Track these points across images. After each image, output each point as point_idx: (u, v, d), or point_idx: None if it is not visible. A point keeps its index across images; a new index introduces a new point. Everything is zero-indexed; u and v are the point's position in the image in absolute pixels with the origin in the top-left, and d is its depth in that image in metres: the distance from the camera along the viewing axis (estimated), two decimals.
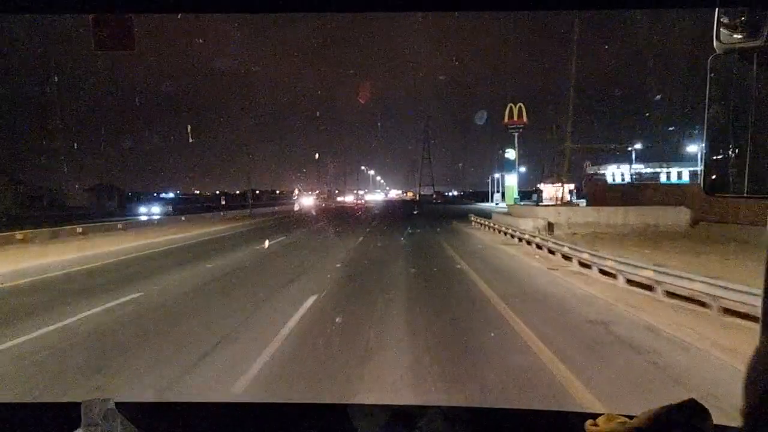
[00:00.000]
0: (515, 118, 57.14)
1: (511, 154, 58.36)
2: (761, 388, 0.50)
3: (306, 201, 73.62)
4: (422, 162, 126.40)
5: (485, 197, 77.33)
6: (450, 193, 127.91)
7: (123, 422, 1.00)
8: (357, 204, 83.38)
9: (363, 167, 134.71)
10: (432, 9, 1.06)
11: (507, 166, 59.63)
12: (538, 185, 58.70)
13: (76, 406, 0.99)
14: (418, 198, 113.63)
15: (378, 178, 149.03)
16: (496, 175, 68.39)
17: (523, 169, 62.41)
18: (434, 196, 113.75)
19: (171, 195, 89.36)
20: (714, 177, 0.94)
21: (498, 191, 64.63)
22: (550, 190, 54.39)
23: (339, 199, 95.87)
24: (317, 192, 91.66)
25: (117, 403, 1.02)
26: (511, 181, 58.92)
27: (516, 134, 57.20)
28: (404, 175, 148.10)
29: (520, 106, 56.66)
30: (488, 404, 4.60)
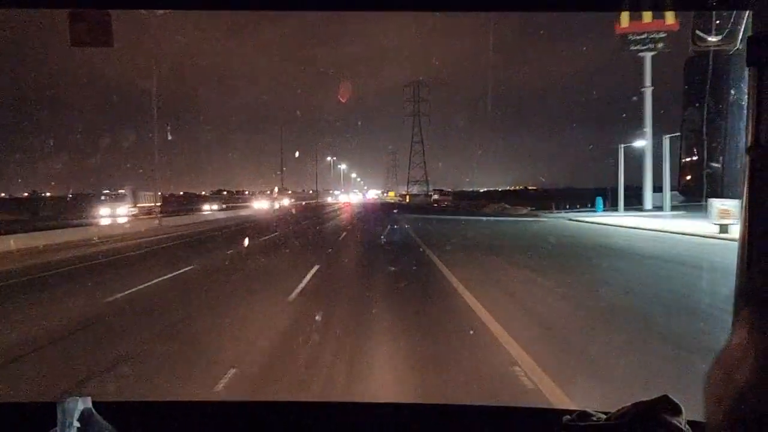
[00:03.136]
0: (646, 18, 26.51)
1: None
2: (732, 383, 0.51)
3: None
4: (412, 148, 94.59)
5: (504, 197, 50.02)
6: (431, 193, 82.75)
7: (100, 422, 0.99)
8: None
9: (330, 158, 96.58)
10: (431, 9, 1.06)
11: None
12: None
13: (52, 405, 0.98)
14: (407, 200, 74.53)
15: (353, 175, 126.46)
16: (639, 144, 29.04)
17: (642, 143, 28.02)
18: (436, 197, 65.43)
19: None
20: (689, 177, 0.95)
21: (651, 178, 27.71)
22: None
23: (207, 209, 42.30)
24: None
25: (94, 403, 1.01)
26: None
27: (649, 53, 27.79)
28: (383, 173, 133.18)
29: None
30: (466, 401, 4.62)
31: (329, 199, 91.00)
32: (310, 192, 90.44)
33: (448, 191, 72.85)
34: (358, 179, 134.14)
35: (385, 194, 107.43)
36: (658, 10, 0.96)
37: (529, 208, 37.85)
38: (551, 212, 32.87)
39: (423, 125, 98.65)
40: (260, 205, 54.11)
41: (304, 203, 70.04)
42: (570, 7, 1.01)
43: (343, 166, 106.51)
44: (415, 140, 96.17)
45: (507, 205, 42.29)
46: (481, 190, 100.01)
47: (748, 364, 0.48)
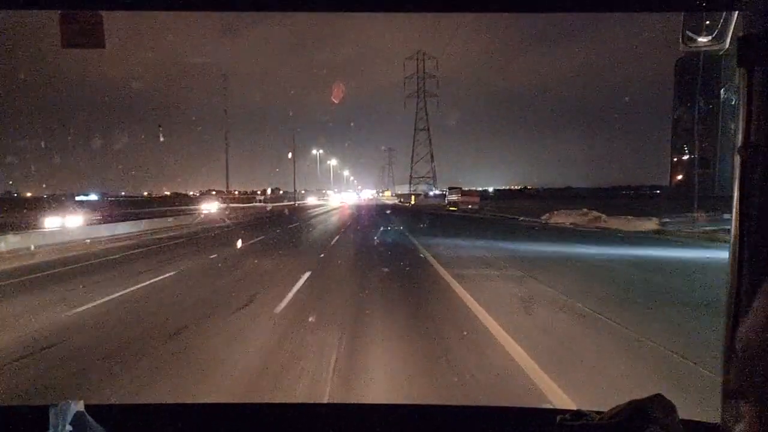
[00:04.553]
0: None
1: None
2: (734, 382, 0.52)
3: None
4: (415, 138, 75.01)
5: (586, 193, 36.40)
6: (432, 192, 72.70)
7: (92, 425, 0.98)
8: None
9: (315, 151, 79.68)
10: (430, 10, 1.06)
11: None
12: None
13: (44, 409, 0.97)
14: (413, 202, 57.94)
15: (346, 173, 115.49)
16: None
17: None
18: (454, 198, 44.32)
19: (93, 197, 61.48)
20: (680, 177, 0.96)
21: None
22: None
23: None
24: None
25: (87, 406, 1.00)
26: None
27: None
28: (377, 173, 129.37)
29: None
30: (462, 402, 4.63)
31: (310, 200, 74.80)
32: (302, 192, 75.98)
33: (476, 191, 50.41)
34: (351, 178, 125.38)
35: (380, 194, 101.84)
36: (649, 11, 0.96)
37: (655, 219, 22.23)
38: (701, 228, 18.71)
39: (430, 109, 74.11)
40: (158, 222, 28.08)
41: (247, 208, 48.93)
42: (564, 8, 1.01)
43: (333, 162, 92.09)
44: (419, 127, 75.99)
45: (601, 215, 24.44)
46: (478, 190, 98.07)
47: (749, 355, 0.50)
